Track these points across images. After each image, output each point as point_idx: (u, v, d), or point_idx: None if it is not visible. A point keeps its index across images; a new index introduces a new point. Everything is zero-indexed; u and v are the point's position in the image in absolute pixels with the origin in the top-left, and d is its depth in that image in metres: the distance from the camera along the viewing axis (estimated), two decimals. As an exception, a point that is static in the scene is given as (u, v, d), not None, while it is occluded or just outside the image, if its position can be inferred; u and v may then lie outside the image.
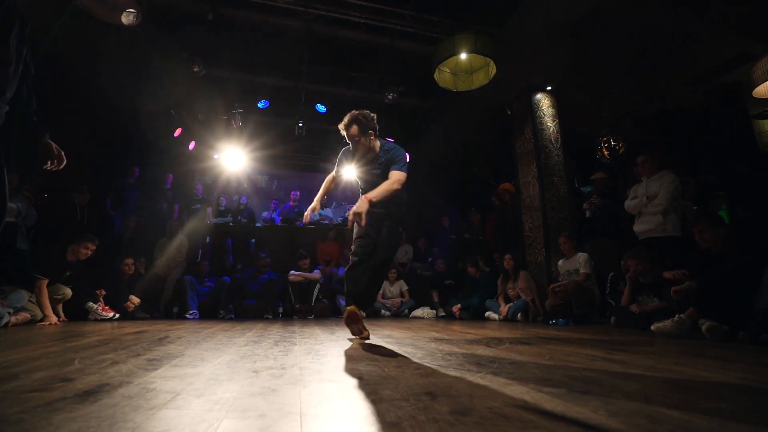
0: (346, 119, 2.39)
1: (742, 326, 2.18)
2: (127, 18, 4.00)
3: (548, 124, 5.14)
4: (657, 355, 1.76)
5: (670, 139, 6.20)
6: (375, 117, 2.44)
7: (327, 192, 2.71)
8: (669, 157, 4.54)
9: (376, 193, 2.16)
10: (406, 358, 1.61)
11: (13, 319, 3.13)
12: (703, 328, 2.30)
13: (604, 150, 6.30)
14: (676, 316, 2.43)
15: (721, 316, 2.28)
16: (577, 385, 1.11)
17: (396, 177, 2.26)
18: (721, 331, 2.26)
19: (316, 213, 2.60)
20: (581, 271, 3.97)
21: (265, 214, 8.26)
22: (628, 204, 3.77)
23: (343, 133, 2.40)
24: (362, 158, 2.47)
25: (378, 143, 2.47)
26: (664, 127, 6.37)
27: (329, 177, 2.72)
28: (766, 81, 3.70)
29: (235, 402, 0.90)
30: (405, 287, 5.93)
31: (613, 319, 3.47)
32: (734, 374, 1.30)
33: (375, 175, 2.42)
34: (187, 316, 4.66)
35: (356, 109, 2.42)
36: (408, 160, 2.42)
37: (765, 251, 2.34)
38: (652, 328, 2.63)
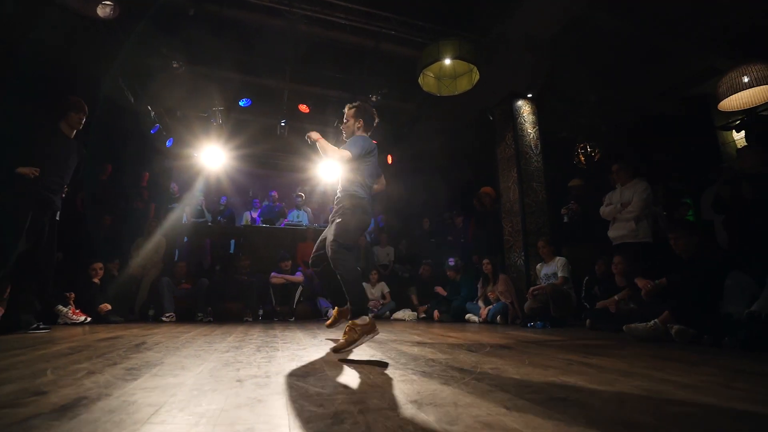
0: (354, 102, 2.75)
1: (707, 330, 2.30)
2: (103, 10, 3.87)
3: (528, 130, 5.26)
4: (629, 359, 1.83)
5: (642, 147, 6.46)
6: (376, 119, 2.74)
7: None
8: (642, 165, 4.72)
9: (323, 143, 2.42)
10: (390, 364, 1.63)
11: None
12: (673, 331, 2.41)
13: (581, 156, 6.51)
14: (652, 321, 2.53)
15: (689, 321, 2.39)
16: (556, 391, 1.15)
17: (337, 149, 2.41)
18: (688, 334, 2.37)
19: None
20: (559, 275, 4.09)
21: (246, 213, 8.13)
22: (603, 210, 3.91)
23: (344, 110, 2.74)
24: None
25: (357, 130, 2.69)
26: (636, 135, 6.63)
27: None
28: (730, 96, 3.91)
29: (221, 415, 0.89)
30: (386, 289, 5.95)
31: (588, 321, 3.59)
32: (700, 378, 1.37)
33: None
34: (164, 318, 4.53)
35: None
36: (363, 148, 2.48)
37: (728, 259, 2.48)
38: (624, 328, 2.74)
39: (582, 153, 6.47)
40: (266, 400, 1.02)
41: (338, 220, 2.37)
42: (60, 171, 3.10)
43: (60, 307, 3.83)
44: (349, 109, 2.70)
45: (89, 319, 3.97)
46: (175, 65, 5.20)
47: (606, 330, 3.30)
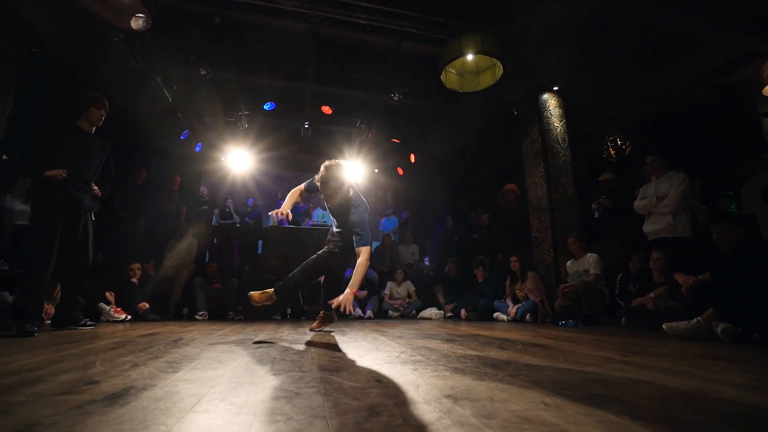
0: (324, 171, 2.54)
1: (756, 328, 2.17)
2: (136, 23, 4.04)
3: (555, 124, 5.13)
4: (672, 357, 1.76)
5: (677, 139, 6.17)
6: (344, 166, 2.61)
7: (294, 203, 2.91)
8: (678, 157, 4.51)
9: (355, 281, 2.56)
10: (421, 360, 1.62)
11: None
12: (718, 329, 2.29)
13: (611, 149, 6.28)
14: (695, 319, 2.42)
15: (735, 318, 2.27)
16: (596, 388, 1.12)
17: (365, 255, 2.56)
18: (735, 332, 2.25)
19: (286, 218, 2.73)
20: (591, 271, 3.96)
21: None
22: (638, 204, 3.76)
23: (318, 183, 2.59)
24: (335, 202, 2.68)
25: (350, 192, 2.69)
26: (670, 127, 6.34)
27: (296, 190, 2.90)
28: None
29: (260, 405, 0.91)
30: (412, 288, 5.94)
31: (623, 319, 3.47)
32: (751, 377, 1.30)
33: (343, 221, 2.73)
34: (197, 317, 4.70)
35: (333, 160, 2.60)
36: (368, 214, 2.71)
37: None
38: (664, 327, 2.63)
39: (612, 146, 6.25)
40: (302, 393, 1.04)
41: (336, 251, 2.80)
42: (83, 168, 2.99)
43: (102, 305, 4.04)
44: (332, 170, 2.54)
45: (129, 317, 4.16)
46: (202, 72, 5.37)
47: (643, 329, 3.17)
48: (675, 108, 6.22)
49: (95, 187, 3.07)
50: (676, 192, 3.44)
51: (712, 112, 5.92)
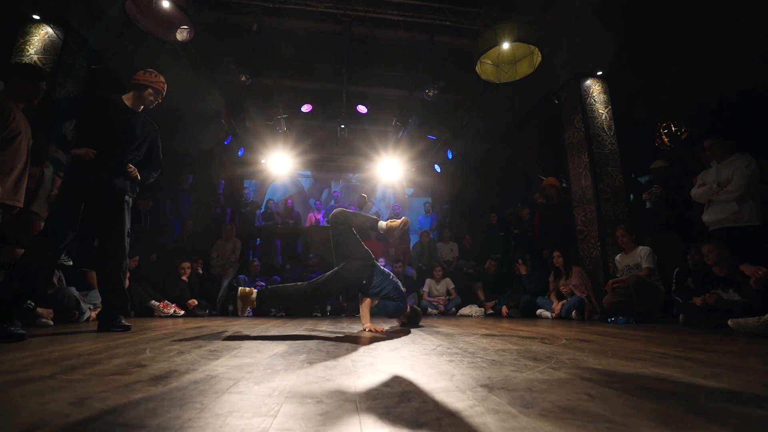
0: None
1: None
2: (181, 35, 4.27)
3: (600, 111, 4.85)
4: (738, 354, 1.59)
5: (742, 121, 5.61)
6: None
7: None
8: (742, 140, 4.11)
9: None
10: (457, 353, 1.58)
11: (93, 314, 3.45)
12: (794, 325, 2.06)
13: (664, 136, 5.84)
14: (767, 315, 2.18)
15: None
16: (648, 383, 1.03)
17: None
18: (816, 329, 2.01)
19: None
20: (643, 265, 3.70)
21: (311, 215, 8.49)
22: (696, 192, 3.46)
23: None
24: None
25: None
26: (734, 109, 5.78)
27: None
28: None
29: (292, 389, 0.92)
30: (451, 285, 5.84)
31: (681, 316, 3.20)
32: (838, 375, 1.14)
33: None
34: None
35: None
36: None
37: None
38: (730, 323, 2.39)
39: (665, 133, 5.81)
40: (334, 380, 1.04)
41: None
42: (117, 144, 2.51)
43: (153, 302, 4.31)
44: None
45: (183, 312, 4.42)
46: (242, 79, 5.60)
47: (704, 326, 2.91)
48: (741, 88, 5.66)
49: (132, 167, 2.55)
50: (742, 176, 3.13)
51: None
